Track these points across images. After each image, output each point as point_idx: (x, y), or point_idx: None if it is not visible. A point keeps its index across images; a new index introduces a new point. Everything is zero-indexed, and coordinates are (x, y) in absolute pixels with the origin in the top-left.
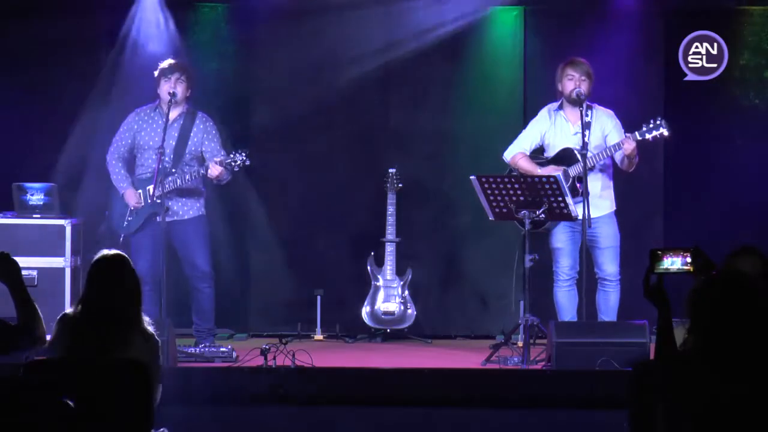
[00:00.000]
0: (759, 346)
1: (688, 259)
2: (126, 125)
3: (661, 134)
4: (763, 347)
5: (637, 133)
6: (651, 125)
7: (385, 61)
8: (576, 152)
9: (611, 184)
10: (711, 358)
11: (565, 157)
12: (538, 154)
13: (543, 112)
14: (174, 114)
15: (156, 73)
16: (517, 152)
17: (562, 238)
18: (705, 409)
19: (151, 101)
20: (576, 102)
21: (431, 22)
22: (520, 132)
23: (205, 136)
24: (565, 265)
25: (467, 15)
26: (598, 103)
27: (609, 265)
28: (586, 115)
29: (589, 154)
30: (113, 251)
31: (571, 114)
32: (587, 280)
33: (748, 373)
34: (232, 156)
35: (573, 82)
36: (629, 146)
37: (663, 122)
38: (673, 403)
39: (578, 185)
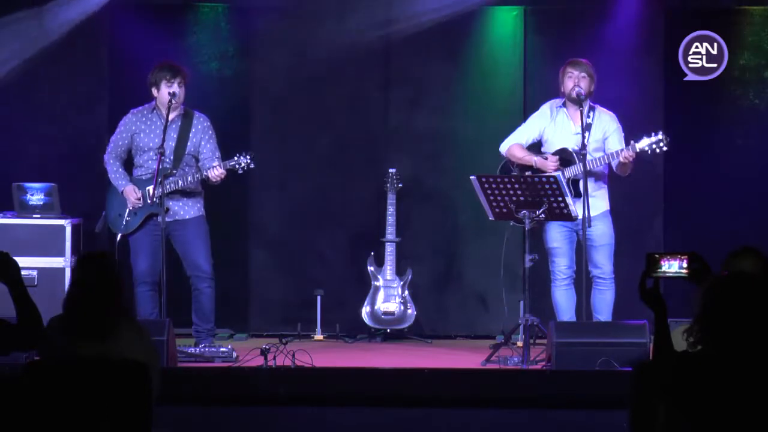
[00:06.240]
0: (763, 346)
1: (685, 264)
2: (123, 126)
3: (660, 148)
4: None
5: (636, 144)
6: (651, 138)
7: (385, 61)
8: (573, 154)
9: (605, 185)
10: (718, 357)
11: (561, 158)
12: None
13: (545, 107)
14: (171, 115)
15: (153, 75)
16: (512, 143)
17: (556, 237)
18: (706, 410)
19: (147, 101)
20: (576, 101)
21: (431, 21)
22: None
23: (203, 137)
24: (562, 264)
25: (467, 12)
26: (599, 104)
27: (604, 263)
28: (588, 116)
29: (588, 157)
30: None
31: (574, 113)
32: (586, 281)
33: (752, 373)
34: (236, 159)
35: (572, 80)
36: (628, 155)
37: (664, 138)
38: (673, 403)
39: (572, 187)
